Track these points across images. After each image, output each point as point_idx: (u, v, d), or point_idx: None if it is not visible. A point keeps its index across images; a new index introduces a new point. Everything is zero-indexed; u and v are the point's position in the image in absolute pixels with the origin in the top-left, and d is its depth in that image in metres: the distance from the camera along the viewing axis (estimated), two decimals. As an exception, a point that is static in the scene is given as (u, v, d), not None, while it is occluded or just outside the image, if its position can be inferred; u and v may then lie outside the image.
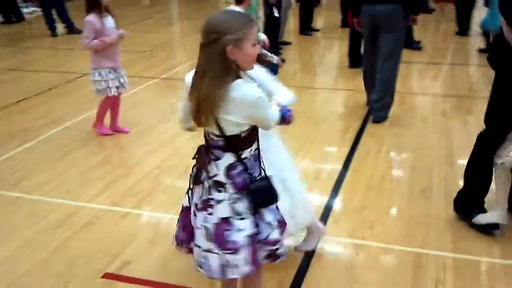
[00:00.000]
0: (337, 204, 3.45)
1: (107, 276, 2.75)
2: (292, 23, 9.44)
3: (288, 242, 2.57)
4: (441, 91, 5.87)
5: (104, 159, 4.24)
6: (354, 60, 6.69)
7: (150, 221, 3.32)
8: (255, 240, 2.01)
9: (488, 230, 3.00)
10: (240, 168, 1.96)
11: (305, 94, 5.76)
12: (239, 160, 1.96)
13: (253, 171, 2.00)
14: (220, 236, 1.97)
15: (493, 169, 2.94)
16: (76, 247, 3.02)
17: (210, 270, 2.04)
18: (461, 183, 3.27)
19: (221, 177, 1.96)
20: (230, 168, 1.96)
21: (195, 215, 2.04)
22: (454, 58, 7.41)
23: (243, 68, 1.90)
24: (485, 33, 7.37)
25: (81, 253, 2.95)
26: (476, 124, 4.77)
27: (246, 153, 1.98)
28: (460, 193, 3.19)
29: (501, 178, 2.90)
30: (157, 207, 3.45)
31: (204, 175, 2.01)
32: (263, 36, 5.96)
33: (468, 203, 3.13)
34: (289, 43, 8.26)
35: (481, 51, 7.38)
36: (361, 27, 4.95)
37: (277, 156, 2.51)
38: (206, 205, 1.99)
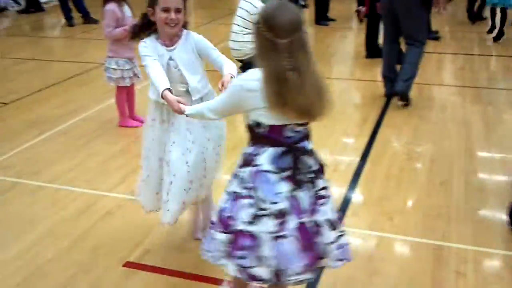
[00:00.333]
0: (356, 195, 3.45)
1: (128, 264, 2.79)
2: (307, 13, 9.39)
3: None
4: (460, 82, 5.82)
5: (123, 149, 4.28)
6: (371, 50, 6.65)
7: (169, 211, 3.34)
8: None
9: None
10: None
11: (322, 84, 5.73)
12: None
13: None
14: (339, 219, 2.06)
15: None
16: (97, 236, 3.06)
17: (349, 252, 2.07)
18: (481, 176, 3.25)
19: (315, 166, 1.97)
20: (314, 152, 2.00)
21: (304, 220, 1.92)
22: (472, 48, 7.33)
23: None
24: (492, 12, 7.37)
25: (103, 242, 2.99)
26: (496, 115, 4.74)
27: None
28: None
29: None
30: (176, 197, 3.47)
31: (301, 177, 1.93)
32: None
33: None
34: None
35: (494, 39, 7.34)
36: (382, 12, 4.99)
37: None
38: (318, 199, 1.96)
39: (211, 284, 2.63)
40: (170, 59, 2.53)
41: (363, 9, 6.92)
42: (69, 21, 9.49)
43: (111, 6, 4.29)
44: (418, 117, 4.72)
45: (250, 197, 1.92)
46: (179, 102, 2.25)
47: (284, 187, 1.89)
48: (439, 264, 2.73)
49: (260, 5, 5.64)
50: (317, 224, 1.95)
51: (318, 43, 7.85)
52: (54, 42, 8.55)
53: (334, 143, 4.24)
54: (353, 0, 9.50)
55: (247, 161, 1.96)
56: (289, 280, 1.92)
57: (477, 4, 8.77)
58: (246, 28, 5.69)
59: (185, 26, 2.60)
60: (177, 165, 2.56)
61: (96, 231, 3.11)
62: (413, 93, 5.17)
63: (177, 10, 2.47)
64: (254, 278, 1.92)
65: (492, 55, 7.05)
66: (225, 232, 1.96)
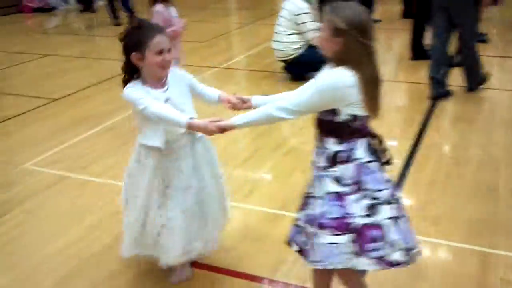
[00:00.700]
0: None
1: (172, 260, 2.83)
2: (352, 14, 9.32)
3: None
4: (510, 86, 5.67)
5: (168, 146, 4.34)
6: (417, 52, 6.56)
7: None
8: None
9: None
10: None
11: (365, 86, 5.68)
12: None
13: None
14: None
15: None
16: (143, 231, 3.11)
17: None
18: (531, 182, 3.17)
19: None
20: None
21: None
22: (522, 52, 7.14)
23: None
24: None
25: (148, 236, 3.05)
26: (547, 121, 4.61)
27: None
28: None
29: None
30: (219, 195, 3.50)
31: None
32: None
33: None
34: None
35: None
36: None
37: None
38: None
39: (251, 281, 2.66)
40: (167, 100, 2.33)
41: None
42: (116, 20, 9.70)
43: (159, 8, 4.37)
44: (465, 121, 4.63)
45: (357, 191, 1.95)
46: (213, 121, 2.16)
47: (385, 173, 2.02)
48: (485, 270, 2.68)
49: (304, 6, 5.64)
50: None
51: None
52: (101, 41, 8.76)
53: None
54: (397, 1, 9.40)
55: (342, 159, 1.96)
56: (418, 257, 2.10)
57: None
58: (290, 29, 5.69)
59: None
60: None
61: (141, 226, 3.17)
62: (460, 97, 5.08)
63: (169, 50, 2.29)
64: (392, 264, 2.00)
65: (543, 59, 6.85)
66: (345, 233, 1.95)
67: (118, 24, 9.64)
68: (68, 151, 4.27)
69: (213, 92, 2.55)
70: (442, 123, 4.63)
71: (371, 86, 1.90)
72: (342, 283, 2.22)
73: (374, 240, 1.95)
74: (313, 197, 2.05)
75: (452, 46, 5.03)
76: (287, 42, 5.72)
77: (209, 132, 2.20)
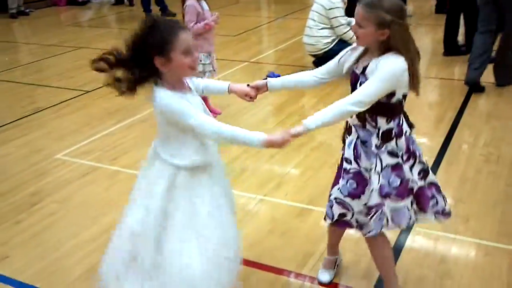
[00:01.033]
0: (429, 195, 3.36)
1: (199, 251, 2.86)
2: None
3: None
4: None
5: (197, 139, 4.38)
6: (450, 47, 6.45)
7: (239, 201, 3.39)
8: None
9: None
10: None
11: (396, 82, 5.61)
12: None
13: None
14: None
15: None
16: (171, 222, 3.15)
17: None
18: None
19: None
20: None
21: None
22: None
23: None
24: None
25: (176, 228, 3.09)
26: None
27: None
28: None
29: None
30: (246, 188, 3.53)
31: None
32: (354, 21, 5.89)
33: None
34: (380, 29, 8.08)
35: None
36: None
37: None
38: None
39: (277, 274, 2.67)
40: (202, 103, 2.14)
41: None
42: (148, 14, 9.78)
43: (192, 2, 4.39)
44: (497, 118, 4.54)
45: (408, 159, 2.18)
46: (286, 133, 2.00)
47: None
48: (516, 270, 2.63)
49: (336, 0, 5.60)
50: None
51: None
52: (133, 34, 8.84)
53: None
54: (431, -4, 9.26)
55: (396, 134, 2.15)
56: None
57: None
58: (322, 23, 5.66)
59: None
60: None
61: (169, 217, 3.21)
62: (492, 94, 4.99)
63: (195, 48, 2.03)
64: (448, 215, 2.33)
65: None
66: (408, 197, 2.18)
67: (150, 18, 9.71)
68: (99, 143, 4.35)
69: (220, 83, 2.36)
70: (473, 120, 4.55)
71: (415, 64, 2.07)
72: (373, 250, 2.36)
73: (433, 196, 2.26)
74: (352, 170, 2.21)
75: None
76: (318, 37, 5.69)
77: (286, 143, 1.98)
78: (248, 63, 6.60)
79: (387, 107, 2.11)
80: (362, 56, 2.18)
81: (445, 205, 2.30)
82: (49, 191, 3.60)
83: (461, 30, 6.51)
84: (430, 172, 2.28)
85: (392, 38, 2.02)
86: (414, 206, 2.21)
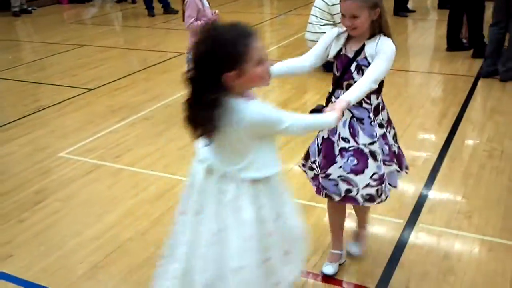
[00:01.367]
0: (433, 192, 3.36)
1: (203, 248, 2.87)
2: (387, 4, 9.20)
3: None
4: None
5: (200, 136, 4.38)
6: (453, 42, 6.43)
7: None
8: None
9: None
10: None
11: (399, 77, 5.61)
12: None
13: None
14: None
15: None
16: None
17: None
18: None
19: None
20: None
21: None
22: None
23: None
24: None
25: (179, 225, 3.09)
26: None
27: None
28: None
29: None
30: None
31: None
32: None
33: None
34: (383, 25, 8.05)
35: None
36: None
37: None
38: None
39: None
40: None
41: None
42: (150, 12, 9.79)
43: None
44: (501, 114, 4.53)
45: (387, 127, 2.44)
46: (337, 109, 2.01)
47: None
48: (520, 266, 2.63)
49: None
50: None
51: (396, 34, 7.68)
52: (135, 32, 8.86)
53: (411, 137, 4.14)
54: (434, -9, 9.23)
55: (380, 108, 2.37)
56: None
57: None
58: (324, 19, 5.65)
59: None
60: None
61: (173, 214, 3.20)
62: (495, 90, 4.98)
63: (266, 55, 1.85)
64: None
65: None
66: (394, 161, 2.46)
67: (152, 15, 9.72)
68: (103, 140, 4.35)
69: None
70: (477, 115, 4.54)
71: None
72: (365, 210, 2.69)
73: (403, 156, 2.57)
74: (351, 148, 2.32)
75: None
76: (321, 33, 5.65)
77: (340, 116, 1.99)
78: (250, 59, 6.59)
79: (380, 84, 2.28)
80: (348, 41, 2.31)
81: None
82: (52, 189, 3.61)
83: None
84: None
85: (380, 20, 2.23)
86: (396, 166, 2.48)
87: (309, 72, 2.42)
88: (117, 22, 10.08)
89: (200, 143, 1.93)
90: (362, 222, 2.77)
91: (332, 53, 2.34)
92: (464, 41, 6.51)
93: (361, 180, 2.32)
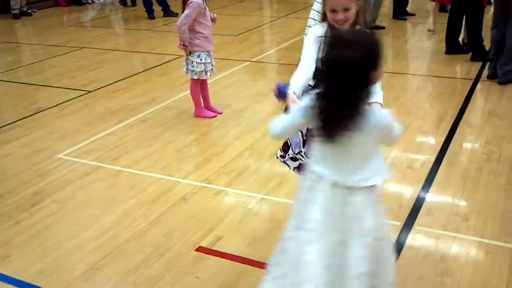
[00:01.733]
0: (430, 195, 3.36)
1: (200, 249, 2.87)
2: (386, 7, 9.21)
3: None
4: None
5: (198, 138, 4.39)
6: (452, 45, 6.43)
7: (241, 199, 3.41)
8: None
9: None
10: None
11: (397, 80, 5.62)
12: None
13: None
14: None
15: None
16: (172, 221, 3.16)
17: None
18: None
19: None
20: None
21: None
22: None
23: (331, 23, 2.30)
24: None
25: (176, 226, 3.09)
26: None
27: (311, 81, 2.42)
28: None
29: None
30: (247, 187, 3.53)
31: None
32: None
33: None
34: (382, 28, 8.07)
35: None
36: None
37: None
38: None
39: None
40: None
41: None
42: (150, 14, 9.80)
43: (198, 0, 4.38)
44: (499, 117, 4.53)
45: None
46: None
47: None
48: (517, 268, 2.63)
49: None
50: None
51: (395, 38, 7.69)
52: (135, 34, 8.86)
53: (409, 140, 4.14)
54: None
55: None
56: None
57: None
58: (319, 21, 5.64)
59: None
60: None
61: (170, 216, 3.22)
62: (493, 93, 4.99)
63: None
64: None
65: None
66: None
67: (152, 18, 9.73)
68: (101, 142, 4.35)
69: None
70: (474, 118, 4.54)
71: None
72: None
73: None
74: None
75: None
76: (319, 36, 5.68)
77: None
78: (250, 62, 6.60)
79: None
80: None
81: None
82: (50, 191, 3.60)
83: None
84: None
85: (364, 6, 2.32)
86: None
87: None
88: (117, 25, 10.10)
89: (314, 159, 1.98)
90: None
91: (322, 53, 2.33)
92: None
93: None
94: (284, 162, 2.67)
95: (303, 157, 2.54)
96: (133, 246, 2.94)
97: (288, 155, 2.61)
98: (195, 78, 4.63)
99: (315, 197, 1.94)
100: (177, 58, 6.68)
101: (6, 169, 3.97)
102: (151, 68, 6.53)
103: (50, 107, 5.23)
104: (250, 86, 5.64)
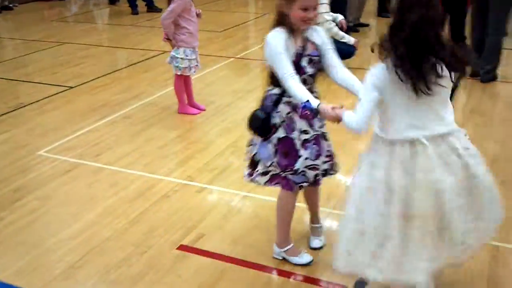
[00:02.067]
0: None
1: (182, 248, 2.85)
2: (370, 5, 9.22)
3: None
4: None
5: (181, 135, 4.36)
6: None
7: (223, 197, 3.39)
8: None
9: None
10: (268, 97, 2.47)
11: (381, 78, 5.63)
12: (269, 91, 2.47)
13: (270, 110, 2.44)
14: None
15: None
16: (153, 219, 3.14)
17: None
18: (546, 177, 3.12)
19: None
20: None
21: None
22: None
23: (294, 24, 2.34)
24: None
25: (158, 224, 3.07)
26: None
27: (269, 89, 2.49)
28: None
29: None
30: (230, 184, 3.51)
31: None
32: (340, 17, 5.88)
33: None
34: (367, 25, 8.09)
35: None
36: None
37: None
38: None
39: (260, 271, 2.66)
40: None
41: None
42: (134, 9, 9.71)
43: None
44: (480, 115, 4.57)
45: None
46: None
47: None
48: (497, 265, 2.65)
49: (321, -5, 5.59)
50: None
51: (380, 35, 7.70)
52: (118, 30, 8.79)
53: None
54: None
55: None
56: None
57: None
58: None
59: None
60: None
61: (152, 214, 3.20)
62: (475, 91, 5.03)
63: None
64: None
65: None
66: None
67: (135, 13, 9.65)
68: (83, 139, 4.31)
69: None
70: (456, 117, 4.52)
71: None
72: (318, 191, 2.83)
73: None
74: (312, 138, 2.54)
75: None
76: (303, 33, 5.67)
77: None
78: (234, 59, 6.58)
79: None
80: (291, 39, 2.39)
81: None
82: (31, 188, 3.56)
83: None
84: None
85: None
86: None
87: None
88: (100, 20, 10.00)
89: (399, 126, 2.01)
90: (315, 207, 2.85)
91: (291, 56, 2.39)
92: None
93: (321, 160, 2.53)
94: (252, 180, 2.62)
95: (275, 166, 2.52)
96: (114, 244, 2.91)
97: (257, 171, 2.57)
98: (179, 73, 4.60)
99: (423, 159, 1.98)
100: (160, 54, 6.63)
101: (-15, 166, 3.91)
102: (134, 64, 6.48)
103: (31, 103, 5.17)
104: (234, 83, 5.62)
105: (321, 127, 2.53)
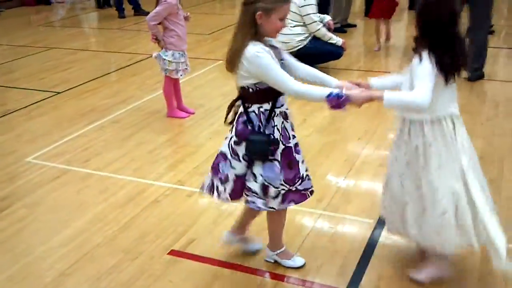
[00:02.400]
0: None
1: (173, 253, 2.84)
2: (357, 5, 9.27)
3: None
4: (514, 77, 5.64)
5: (171, 139, 4.35)
6: (422, 44, 6.50)
7: (214, 201, 3.37)
8: (241, 180, 2.41)
9: None
10: (244, 118, 2.36)
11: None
12: (245, 111, 2.36)
13: (264, 128, 2.33)
14: (215, 164, 2.49)
15: None
16: (144, 224, 3.12)
17: (203, 186, 2.58)
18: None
19: (233, 120, 2.45)
20: (239, 115, 2.41)
21: None
22: (528, 43, 7.07)
23: (268, 35, 2.30)
24: None
25: (149, 229, 3.06)
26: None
27: (254, 108, 2.35)
28: None
29: None
30: (221, 188, 3.50)
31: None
32: (327, 18, 5.89)
33: None
34: (354, 26, 8.12)
35: None
36: None
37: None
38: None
39: (252, 275, 2.66)
40: None
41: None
42: (120, 13, 9.68)
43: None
44: (467, 113, 4.57)
45: None
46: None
47: None
48: (487, 262, 2.65)
49: (308, -3, 5.60)
50: None
51: (367, 35, 7.75)
52: (105, 34, 8.75)
53: (381, 138, 4.18)
54: (404, -8, 9.32)
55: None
56: None
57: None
58: (294, 21, 5.65)
59: None
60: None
61: (142, 219, 3.18)
62: (463, 89, 5.05)
63: None
64: None
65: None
66: None
67: (122, 17, 9.62)
68: (71, 145, 4.28)
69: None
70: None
71: None
72: None
73: None
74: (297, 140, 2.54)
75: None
76: (291, 34, 5.69)
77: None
78: (222, 61, 6.55)
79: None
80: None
81: None
82: (19, 195, 3.53)
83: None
84: None
85: None
86: None
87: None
88: (87, 24, 9.95)
89: (444, 105, 2.44)
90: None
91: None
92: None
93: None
94: (271, 208, 2.45)
95: (284, 184, 2.41)
96: (104, 251, 2.89)
97: (270, 196, 2.41)
98: (166, 74, 4.58)
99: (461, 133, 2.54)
100: (148, 57, 6.61)
101: (-27, 174, 3.87)
102: (122, 68, 6.45)
103: (19, 109, 5.13)
104: (223, 86, 5.60)
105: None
